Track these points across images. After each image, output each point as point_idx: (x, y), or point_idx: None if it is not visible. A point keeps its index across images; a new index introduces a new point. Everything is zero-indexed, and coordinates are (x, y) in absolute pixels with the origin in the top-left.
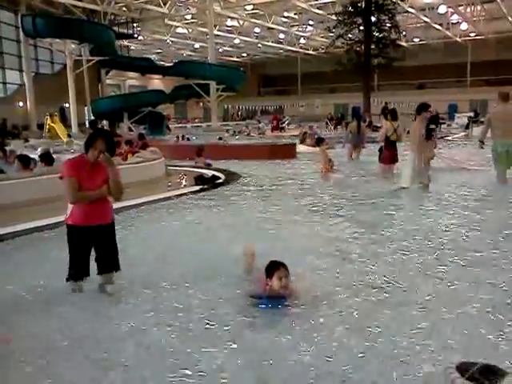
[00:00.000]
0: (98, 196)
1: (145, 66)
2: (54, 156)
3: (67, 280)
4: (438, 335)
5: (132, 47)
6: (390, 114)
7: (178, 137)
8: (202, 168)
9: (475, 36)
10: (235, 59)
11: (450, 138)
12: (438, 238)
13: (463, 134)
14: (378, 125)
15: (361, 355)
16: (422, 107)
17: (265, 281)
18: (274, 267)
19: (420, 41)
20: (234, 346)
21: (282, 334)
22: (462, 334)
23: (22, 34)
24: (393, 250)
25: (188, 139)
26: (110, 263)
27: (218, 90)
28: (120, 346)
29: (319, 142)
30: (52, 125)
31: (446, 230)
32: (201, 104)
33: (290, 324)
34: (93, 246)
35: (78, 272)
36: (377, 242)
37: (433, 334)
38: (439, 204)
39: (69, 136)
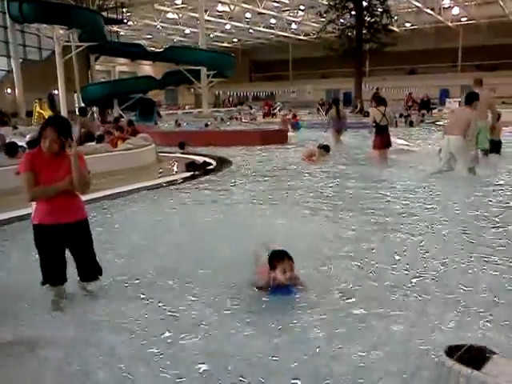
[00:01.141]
0: (59, 189)
1: (135, 52)
2: None
3: (42, 284)
4: None
5: (121, 33)
6: (375, 99)
7: (177, 122)
8: (193, 154)
9: (467, 21)
10: (226, 45)
11: (441, 122)
12: None
13: None
14: (369, 110)
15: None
16: (473, 97)
17: (268, 272)
18: (278, 258)
19: (411, 26)
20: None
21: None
22: None
23: (8, 19)
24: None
25: (179, 125)
26: (91, 269)
27: (208, 76)
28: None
29: (325, 149)
30: (40, 111)
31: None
32: (192, 90)
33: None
34: (66, 248)
35: (52, 277)
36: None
37: None
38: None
39: None
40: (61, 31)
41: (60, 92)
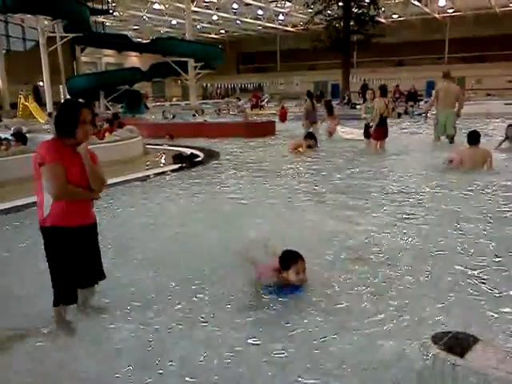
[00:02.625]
0: (90, 197)
1: (121, 43)
2: (29, 135)
3: (56, 304)
4: None
5: (107, 23)
6: (380, 90)
7: (165, 115)
8: (180, 146)
9: (453, 12)
10: (213, 36)
11: (428, 114)
12: None
13: None
14: (357, 102)
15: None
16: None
17: (277, 270)
18: (292, 259)
19: (399, 17)
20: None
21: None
22: None
23: None
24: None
25: (173, 116)
26: (96, 272)
27: (196, 67)
28: None
29: (310, 137)
30: (26, 103)
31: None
32: (179, 82)
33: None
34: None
35: (71, 291)
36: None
37: None
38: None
39: (49, 115)
40: (45, 21)
41: (45, 84)
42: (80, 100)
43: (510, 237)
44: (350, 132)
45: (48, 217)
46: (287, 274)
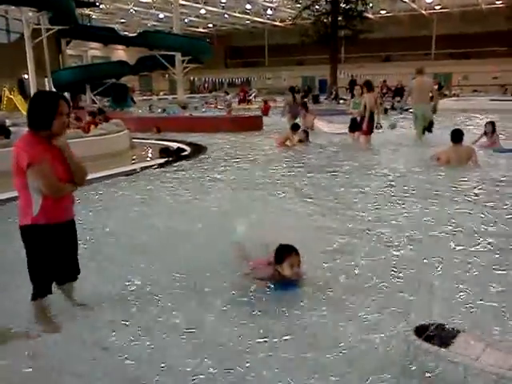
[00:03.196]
0: (73, 190)
1: (107, 36)
2: (13, 129)
3: (35, 298)
4: None
5: (94, 16)
6: (366, 86)
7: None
8: (167, 140)
9: (440, 9)
10: (201, 30)
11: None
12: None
13: None
14: (345, 97)
15: None
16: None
17: (271, 264)
18: (286, 253)
19: (386, 13)
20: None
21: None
22: None
23: None
24: None
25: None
26: (74, 268)
27: (183, 61)
28: None
29: (295, 128)
30: (10, 96)
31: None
32: (166, 76)
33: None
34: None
35: (46, 285)
36: None
37: None
38: None
39: None
40: (30, 13)
41: (30, 77)
42: (54, 90)
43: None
44: (328, 125)
45: (39, 216)
46: (282, 267)
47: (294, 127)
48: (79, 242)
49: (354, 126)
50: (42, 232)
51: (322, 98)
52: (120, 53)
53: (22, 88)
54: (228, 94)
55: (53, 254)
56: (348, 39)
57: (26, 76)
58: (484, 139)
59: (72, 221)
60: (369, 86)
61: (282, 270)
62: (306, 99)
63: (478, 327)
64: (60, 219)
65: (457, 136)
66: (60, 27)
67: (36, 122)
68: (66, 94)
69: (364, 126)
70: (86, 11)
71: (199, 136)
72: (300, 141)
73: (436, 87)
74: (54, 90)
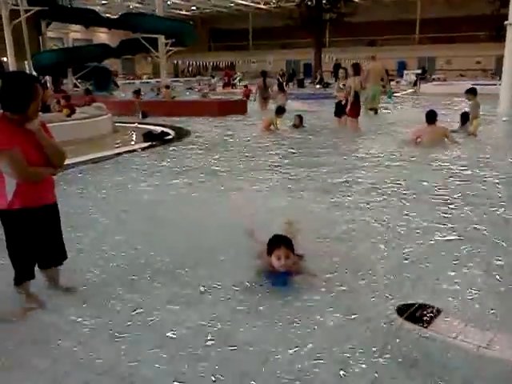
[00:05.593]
0: (50, 174)
1: (89, 18)
2: None
3: (17, 283)
4: None
5: None
6: (354, 69)
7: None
8: (150, 124)
9: None
10: (184, 13)
11: (398, 94)
12: None
13: (411, 90)
14: (330, 82)
15: None
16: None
17: (267, 256)
18: (274, 244)
19: None
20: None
21: None
22: None
23: None
24: None
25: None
26: (58, 253)
27: (166, 44)
28: None
29: (280, 112)
30: None
31: None
32: (149, 59)
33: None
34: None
35: (27, 270)
36: None
37: None
38: None
39: None
40: None
41: (9, 60)
42: (27, 72)
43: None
44: (295, 103)
45: (14, 200)
46: (271, 259)
47: (279, 111)
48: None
49: (340, 111)
50: (18, 216)
51: (306, 82)
52: (102, 36)
53: (1, 71)
54: (214, 77)
55: (31, 239)
56: (333, 22)
57: (4, 59)
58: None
59: (52, 205)
60: (356, 68)
61: (272, 261)
62: (290, 83)
63: (459, 306)
64: (37, 203)
65: (431, 117)
66: (39, 8)
67: (11, 105)
68: (48, 78)
69: (348, 108)
70: None
71: (184, 120)
72: (294, 126)
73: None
74: (34, 73)
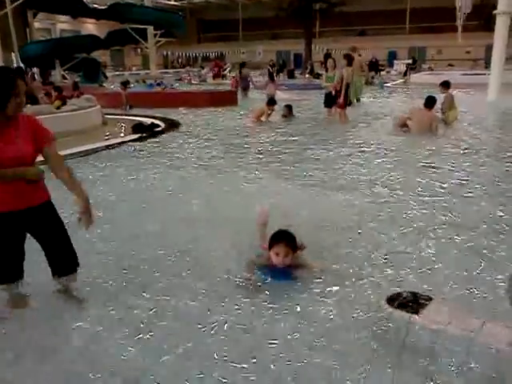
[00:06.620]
0: (29, 175)
1: (76, 8)
2: None
3: (2, 282)
4: None
5: None
6: (347, 59)
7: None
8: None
9: None
10: (173, 3)
11: (389, 84)
12: None
13: (401, 80)
14: (320, 72)
15: None
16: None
17: (268, 251)
18: (274, 240)
19: None
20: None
21: None
22: None
23: None
24: None
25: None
26: (67, 260)
27: (156, 35)
28: None
29: (272, 103)
30: None
31: None
32: (139, 51)
33: None
34: (35, 239)
35: (9, 272)
36: None
37: None
38: None
39: None
40: None
41: None
42: (22, 65)
43: None
44: (284, 94)
45: None
46: (270, 254)
47: (270, 102)
48: None
49: (329, 101)
50: None
51: (297, 72)
52: (90, 26)
53: None
54: (204, 68)
55: (10, 243)
56: (323, 12)
57: None
58: None
59: (37, 207)
60: (349, 59)
61: (272, 257)
62: (281, 73)
63: (449, 294)
64: (16, 207)
65: (429, 101)
66: None
67: None
68: (36, 70)
69: (340, 99)
70: None
71: (173, 111)
72: (284, 116)
73: (367, 63)
74: (21, 64)
